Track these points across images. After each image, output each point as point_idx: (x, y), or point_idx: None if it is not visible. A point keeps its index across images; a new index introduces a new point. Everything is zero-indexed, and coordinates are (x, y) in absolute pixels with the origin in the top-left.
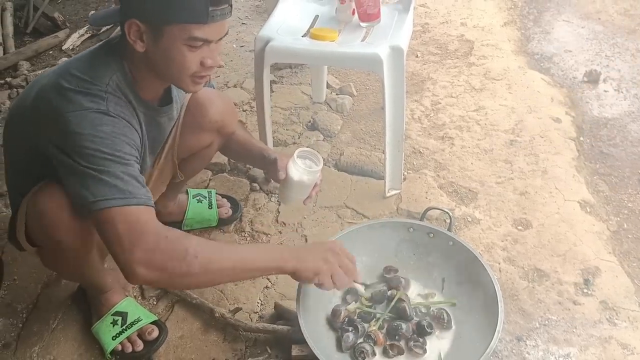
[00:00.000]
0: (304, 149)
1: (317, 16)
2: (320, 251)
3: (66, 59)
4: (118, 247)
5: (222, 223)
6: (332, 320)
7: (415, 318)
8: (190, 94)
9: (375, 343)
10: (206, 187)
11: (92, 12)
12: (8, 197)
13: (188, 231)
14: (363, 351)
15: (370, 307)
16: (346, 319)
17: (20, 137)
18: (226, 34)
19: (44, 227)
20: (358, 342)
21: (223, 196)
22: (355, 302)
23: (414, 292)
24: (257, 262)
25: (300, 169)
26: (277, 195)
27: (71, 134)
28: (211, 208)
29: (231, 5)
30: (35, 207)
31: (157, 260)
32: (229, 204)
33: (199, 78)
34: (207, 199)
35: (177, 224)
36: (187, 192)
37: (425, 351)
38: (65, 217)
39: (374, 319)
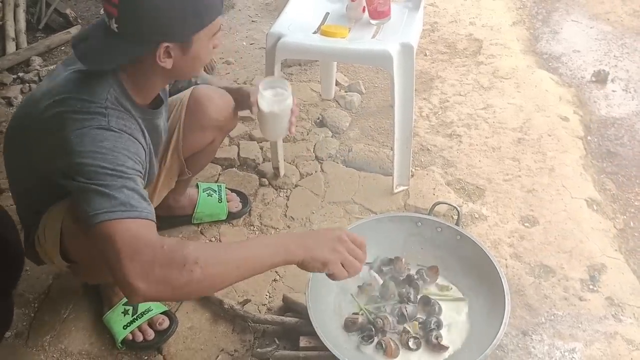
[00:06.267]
0: (269, 79)
1: (327, 13)
2: (328, 240)
3: None
4: (116, 263)
5: (232, 217)
6: (347, 330)
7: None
8: (187, 93)
9: (385, 352)
10: (216, 182)
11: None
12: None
13: (198, 225)
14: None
15: (379, 304)
16: (360, 330)
17: (28, 168)
18: None
19: (88, 244)
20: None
21: (232, 191)
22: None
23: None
24: (263, 259)
25: (269, 100)
26: (285, 192)
27: (73, 154)
28: (221, 202)
29: None
30: (74, 225)
31: (157, 273)
32: (238, 199)
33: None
34: (217, 193)
35: (188, 217)
36: (197, 186)
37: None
38: None
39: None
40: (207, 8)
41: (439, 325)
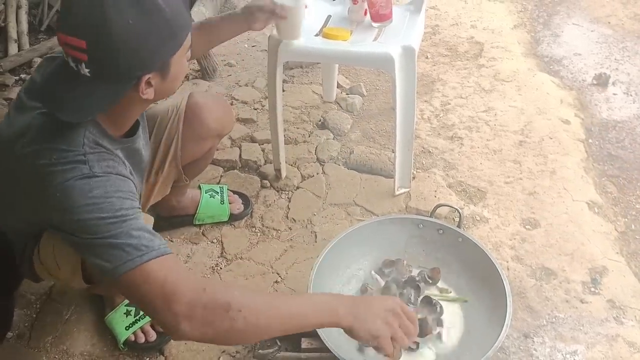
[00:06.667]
0: None
1: (329, 16)
2: (380, 310)
3: None
4: (155, 307)
5: (233, 218)
6: None
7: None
8: (183, 102)
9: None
10: (218, 183)
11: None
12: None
13: (200, 225)
14: None
15: None
16: None
17: (9, 209)
18: None
19: None
20: None
21: (234, 192)
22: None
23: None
24: (310, 318)
25: None
26: (286, 194)
27: (64, 212)
28: (223, 203)
29: None
30: None
31: (199, 315)
32: (240, 200)
33: None
34: (220, 194)
35: (190, 217)
36: (199, 187)
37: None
38: None
39: None
40: (180, 27)
41: (438, 323)
